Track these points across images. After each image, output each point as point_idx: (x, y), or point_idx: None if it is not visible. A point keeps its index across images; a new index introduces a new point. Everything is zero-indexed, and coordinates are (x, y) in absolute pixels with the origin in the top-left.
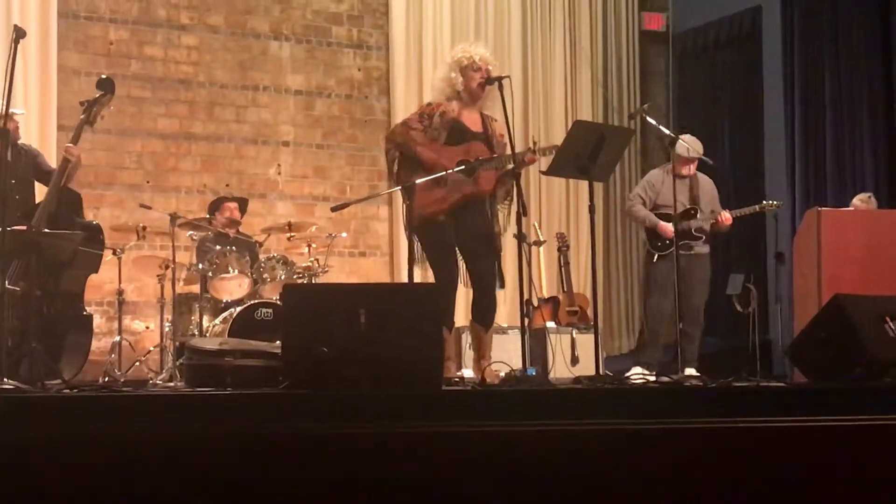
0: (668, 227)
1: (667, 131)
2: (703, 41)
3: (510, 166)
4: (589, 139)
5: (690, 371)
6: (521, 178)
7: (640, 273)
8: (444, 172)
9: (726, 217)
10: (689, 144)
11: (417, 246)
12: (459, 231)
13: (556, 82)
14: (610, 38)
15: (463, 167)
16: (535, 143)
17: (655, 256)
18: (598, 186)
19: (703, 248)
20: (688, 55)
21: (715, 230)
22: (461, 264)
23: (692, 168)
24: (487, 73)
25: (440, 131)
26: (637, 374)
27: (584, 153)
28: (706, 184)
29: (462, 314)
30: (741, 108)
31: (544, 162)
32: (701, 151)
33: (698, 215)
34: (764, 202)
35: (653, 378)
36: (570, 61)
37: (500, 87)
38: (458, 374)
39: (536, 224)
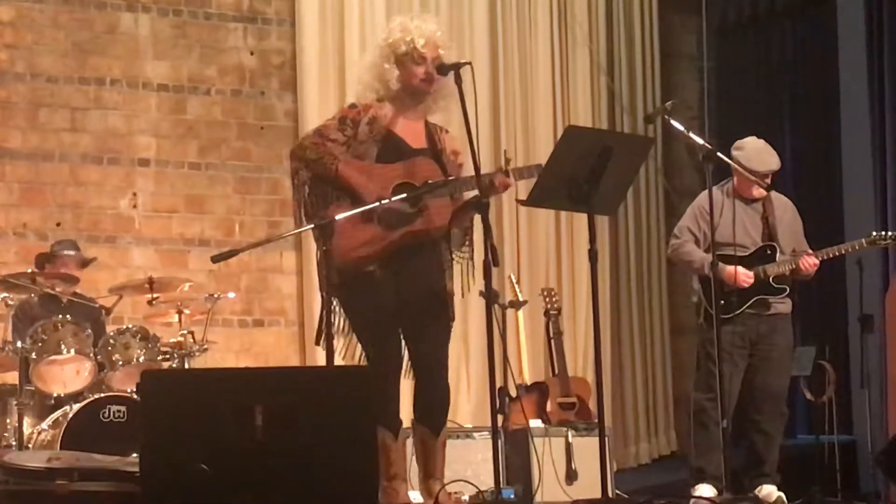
0: (743, 275)
1: (700, 140)
2: (750, 9)
3: (473, 194)
4: (588, 153)
5: (769, 490)
6: (490, 211)
7: (664, 348)
8: (376, 203)
9: (810, 263)
10: (760, 153)
11: (338, 312)
12: (402, 287)
13: (539, 71)
14: (617, 7)
15: (404, 195)
16: (507, 161)
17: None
18: (603, 222)
19: (784, 306)
20: (729, 30)
21: (792, 278)
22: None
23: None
24: (437, 62)
25: (369, 145)
26: (704, 496)
27: (582, 174)
28: (785, 210)
29: (406, 410)
30: (808, 104)
31: (523, 187)
32: (777, 165)
33: (777, 256)
34: (874, 234)
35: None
36: (560, 41)
37: (458, 79)
38: (405, 500)
39: (513, 277)
